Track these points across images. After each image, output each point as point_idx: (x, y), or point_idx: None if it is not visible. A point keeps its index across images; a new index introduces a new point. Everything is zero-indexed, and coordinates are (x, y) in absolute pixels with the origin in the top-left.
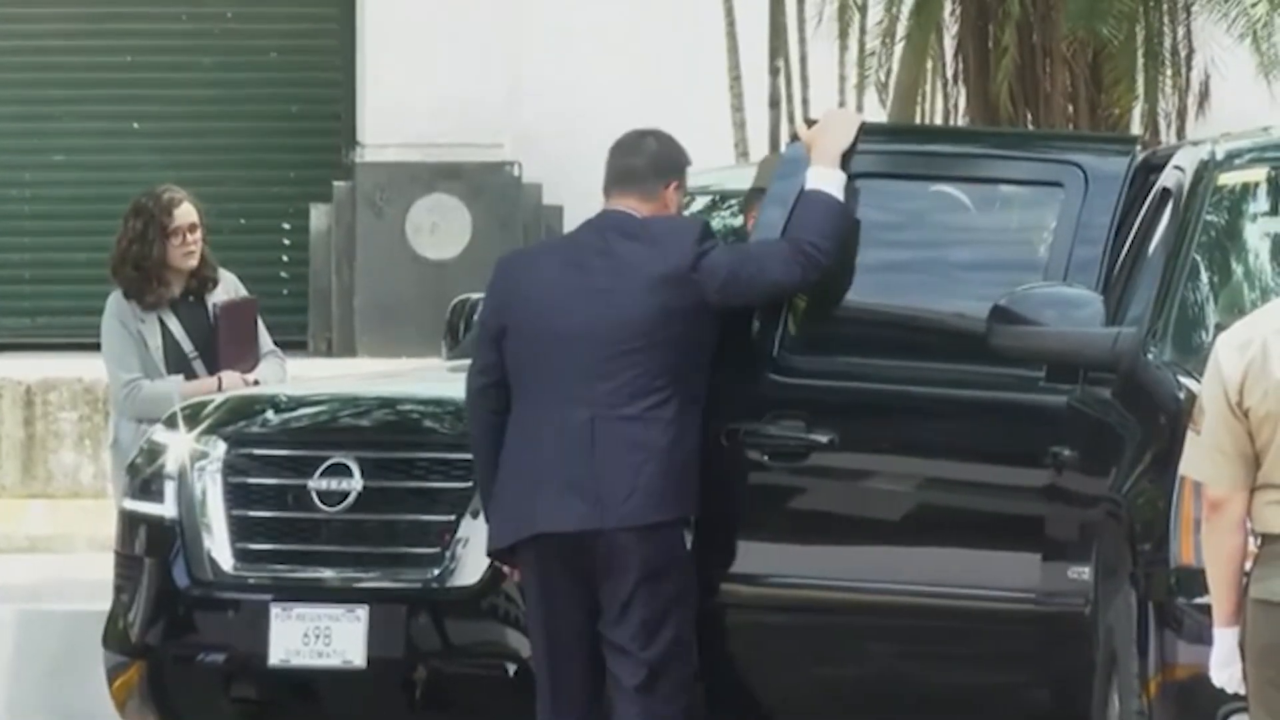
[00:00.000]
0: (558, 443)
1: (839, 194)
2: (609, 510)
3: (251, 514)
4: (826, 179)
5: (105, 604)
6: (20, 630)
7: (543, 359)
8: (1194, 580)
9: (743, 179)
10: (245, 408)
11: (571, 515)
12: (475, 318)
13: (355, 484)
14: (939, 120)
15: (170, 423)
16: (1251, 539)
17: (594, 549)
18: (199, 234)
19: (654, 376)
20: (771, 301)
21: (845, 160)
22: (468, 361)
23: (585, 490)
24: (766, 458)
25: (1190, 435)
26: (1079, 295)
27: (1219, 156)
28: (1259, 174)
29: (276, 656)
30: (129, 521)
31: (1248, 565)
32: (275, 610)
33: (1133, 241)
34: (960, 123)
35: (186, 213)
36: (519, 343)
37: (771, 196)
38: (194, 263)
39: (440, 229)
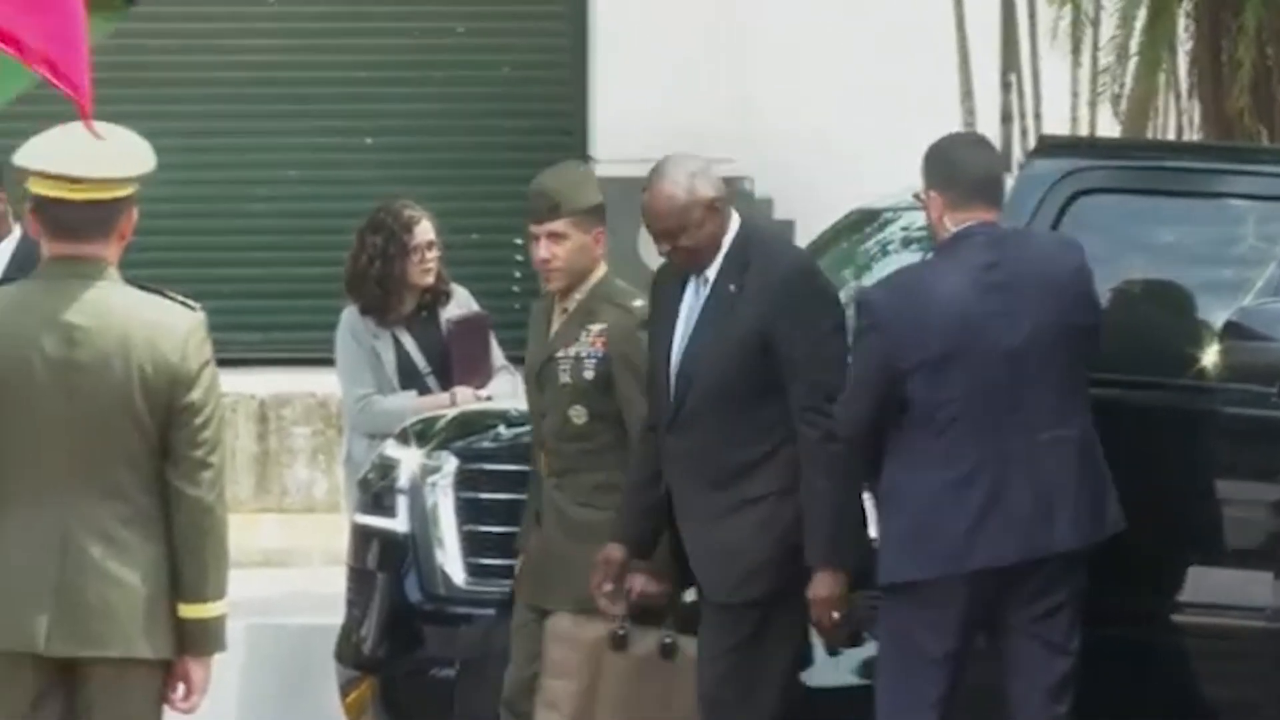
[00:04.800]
0: (998, 470)
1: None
2: (1064, 534)
3: (483, 529)
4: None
5: (337, 618)
6: (252, 644)
7: (979, 387)
8: None
9: None
10: (477, 423)
11: (1026, 543)
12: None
13: None
14: (1172, 135)
15: (402, 438)
16: None
17: (1031, 575)
18: (436, 251)
19: (1077, 392)
20: None
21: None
22: None
23: (1045, 515)
24: None
25: None
26: None
27: None
28: None
29: None
30: (361, 536)
31: None
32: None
33: None
34: (1194, 138)
35: (425, 230)
36: (941, 376)
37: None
38: (431, 279)
39: None
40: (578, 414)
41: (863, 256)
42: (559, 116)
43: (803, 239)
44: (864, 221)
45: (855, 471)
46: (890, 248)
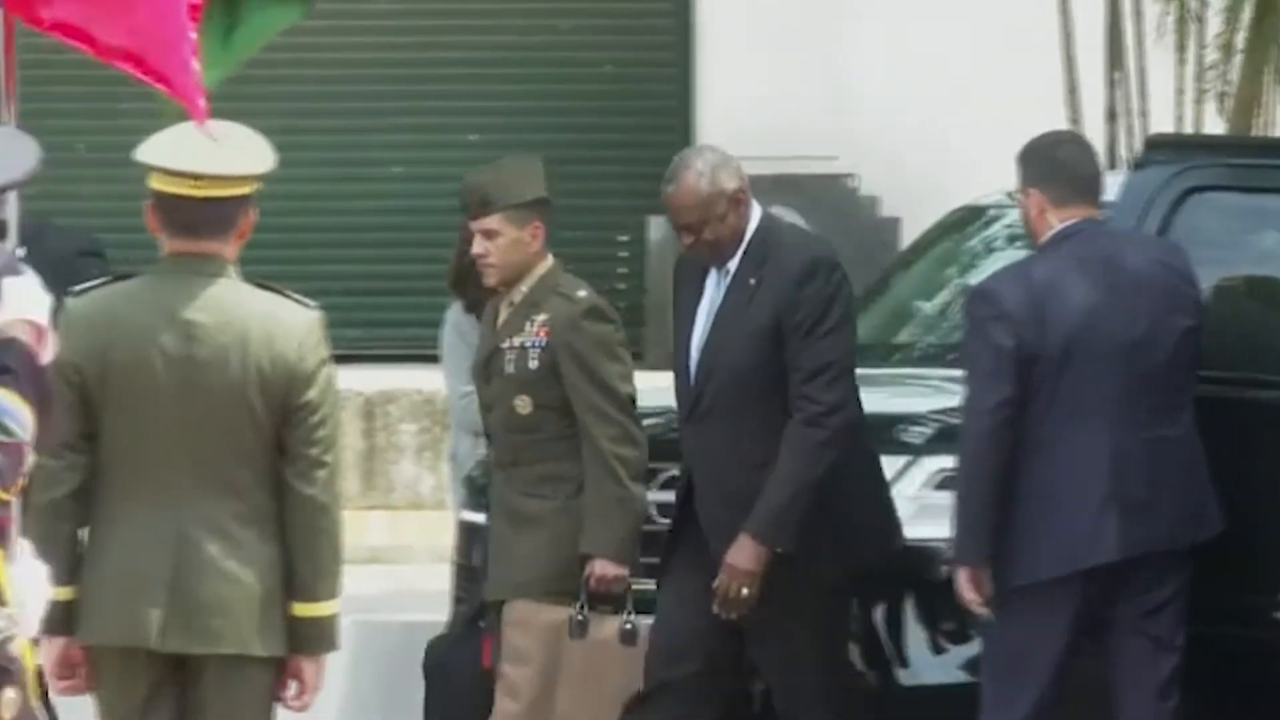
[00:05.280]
0: (1115, 465)
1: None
2: (1175, 530)
3: None
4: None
5: (443, 615)
6: (358, 641)
7: (1096, 382)
8: None
9: None
10: None
11: (1143, 537)
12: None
13: None
14: (1278, 132)
15: None
16: None
17: (1138, 571)
18: None
19: (1183, 392)
20: None
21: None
22: None
23: (1156, 511)
24: None
25: None
26: None
27: None
28: None
29: None
30: (467, 532)
31: None
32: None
33: None
34: None
35: None
36: (1060, 369)
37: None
38: None
39: None
40: (523, 404)
41: (967, 254)
42: (662, 113)
43: (908, 236)
44: (968, 219)
45: (988, 458)
46: (995, 245)
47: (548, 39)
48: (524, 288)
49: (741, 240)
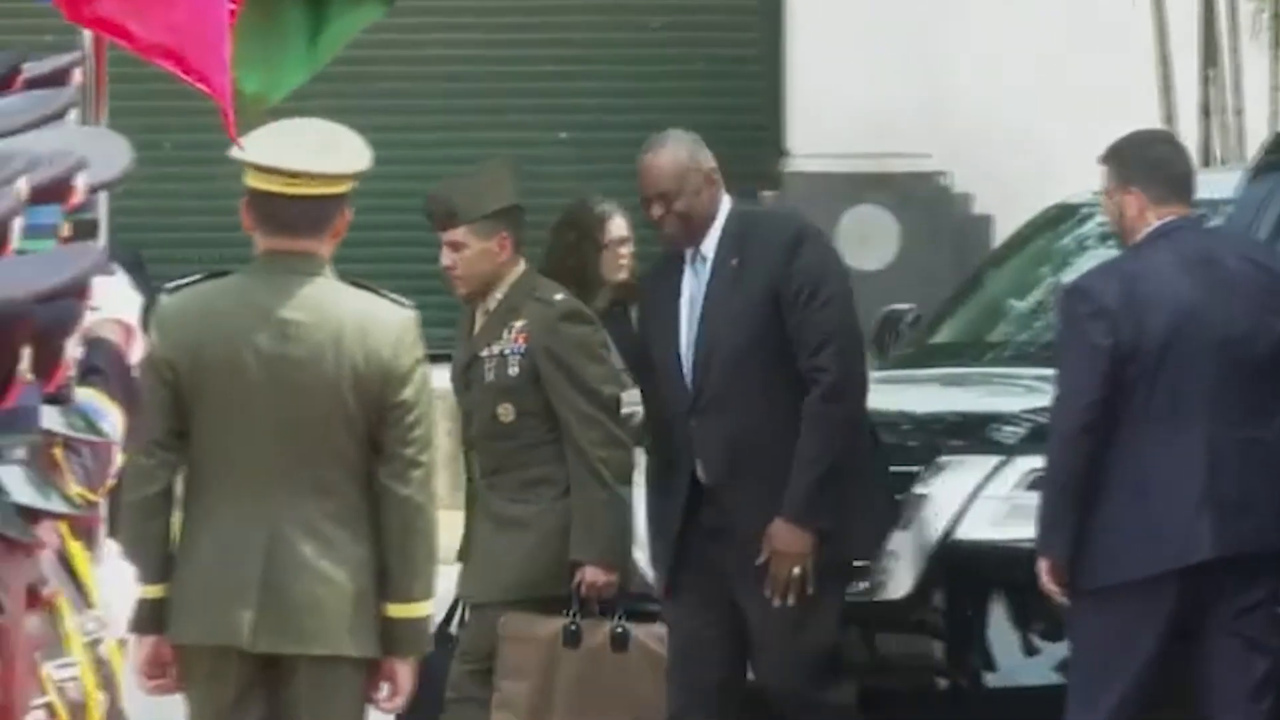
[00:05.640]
0: (1210, 462)
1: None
2: (1268, 532)
3: None
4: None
5: None
6: None
7: (1194, 379)
8: None
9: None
10: None
11: (1239, 536)
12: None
13: None
14: None
15: None
16: None
17: (1231, 571)
18: (630, 246)
19: (1276, 395)
20: None
21: None
22: (886, 374)
23: (1250, 511)
24: None
25: None
26: None
27: None
28: None
29: None
30: None
31: None
32: None
33: None
34: None
35: (619, 225)
36: (1158, 364)
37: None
38: (624, 275)
39: (869, 239)
40: (505, 411)
41: (1060, 252)
42: (754, 112)
43: (1001, 234)
44: (1062, 217)
45: (1075, 457)
46: (1088, 243)
47: (639, 35)
48: (498, 295)
49: (710, 222)
